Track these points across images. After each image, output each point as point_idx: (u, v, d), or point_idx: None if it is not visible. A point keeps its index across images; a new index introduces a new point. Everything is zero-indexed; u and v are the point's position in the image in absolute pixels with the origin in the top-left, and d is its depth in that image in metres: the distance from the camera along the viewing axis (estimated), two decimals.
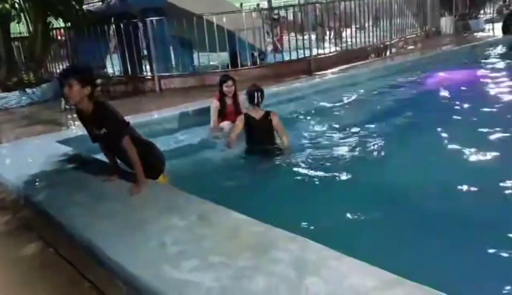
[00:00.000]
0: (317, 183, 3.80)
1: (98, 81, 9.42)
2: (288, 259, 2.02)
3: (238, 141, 4.72)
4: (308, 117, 6.03)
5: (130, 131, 3.32)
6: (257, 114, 4.61)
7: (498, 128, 4.77)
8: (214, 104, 5.40)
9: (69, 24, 9.68)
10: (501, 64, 9.18)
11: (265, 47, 10.08)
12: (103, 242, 2.43)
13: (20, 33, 10.62)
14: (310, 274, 1.89)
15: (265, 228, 2.34)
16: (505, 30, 10.69)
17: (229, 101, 5.38)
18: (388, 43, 11.25)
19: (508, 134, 4.59)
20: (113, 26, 9.38)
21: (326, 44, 10.34)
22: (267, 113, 4.62)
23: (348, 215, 3.05)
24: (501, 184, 3.40)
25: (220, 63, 9.15)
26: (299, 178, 3.95)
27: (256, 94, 4.55)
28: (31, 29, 8.87)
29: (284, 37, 11.93)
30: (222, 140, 5.05)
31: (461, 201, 3.18)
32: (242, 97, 5.14)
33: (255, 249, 2.14)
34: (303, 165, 4.26)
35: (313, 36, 9.91)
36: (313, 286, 1.81)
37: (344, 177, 3.82)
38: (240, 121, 4.67)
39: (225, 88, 5.31)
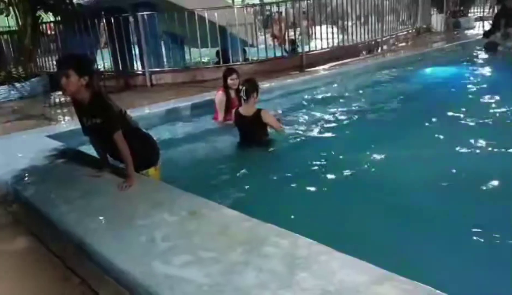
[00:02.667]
0: (307, 178, 3.80)
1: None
2: (279, 255, 2.02)
3: (231, 136, 4.75)
4: (300, 113, 6.04)
5: (126, 120, 3.28)
6: (246, 111, 4.58)
7: (484, 123, 4.84)
8: (219, 97, 5.33)
9: (59, 18, 9.58)
10: (487, 62, 9.27)
11: (257, 43, 10.04)
12: (93, 237, 2.42)
13: (9, 27, 10.49)
14: (300, 270, 1.89)
15: (255, 224, 2.35)
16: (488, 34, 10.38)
17: (233, 94, 5.33)
18: (379, 40, 11.29)
19: (493, 130, 4.66)
20: (104, 20, 9.30)
21: (318, 41, 10.33)
22: (258, 111, 4.57)
23: (339, 210, 3.07)
24: (489, 179, 3.44)
25: (211, 58, 9.13)
26: (289, 173, 3.95)
27: (242, 89, 4.53)
28: (20, 23, 8.77)
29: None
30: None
31: (451, 196, 3.21)
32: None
33: (246, 245, 2.14)
34: (293, 160, 4.29)
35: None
36: (304, 282, 1.82)
37: (334, 171, 3.84)
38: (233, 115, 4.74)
39: (230, 81, 5.26)
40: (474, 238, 2.63)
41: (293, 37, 10.32)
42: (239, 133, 4.70)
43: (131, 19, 8.67)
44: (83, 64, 3.10)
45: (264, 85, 6.84)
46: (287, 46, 11.06)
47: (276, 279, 1.86)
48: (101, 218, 2.66)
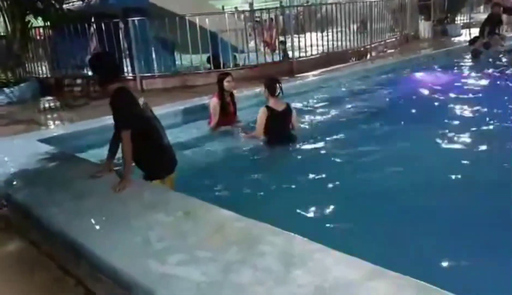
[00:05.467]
0: (303, 178, 3.85)
1: (79, 81, 9.38)
2: (274, 253, 2.05)
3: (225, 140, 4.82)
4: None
5: (145, 125, 3.24)
6: (278, 106, 4.71)
7: (470, 126, 4.95)
8: (214, 102, 5.27)
9: (49, 23, 9.55)
10: (472, 67, 9.46)
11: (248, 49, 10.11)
12: (88, 238, 2.42)
13: None
14: (296, 267, 1.93)
15: (250, 223, 2.37)
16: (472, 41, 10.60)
17: (228, 99, 5.31)
18: (368, 46, 11.43)
19: (479, 133, 4.77)
20: (94, 25, 9.29)
21: (308, 47, 10.42)
22: (288, 105, 4.76)
23: (332, 210, 3.12)
24: (477, 178, 3.53)
25: (202, 64, 9.15)
26: (284, 174, 4.02)
27: (278, 85, 4.69)
28: (9, 28, 8.73)
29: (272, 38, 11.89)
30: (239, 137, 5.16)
31: (442, 196, 3.28)
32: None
33: (241, 244, 2.17)
34: (289, 162, 4.35)
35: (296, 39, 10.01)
36: (299, 279, 1.85)
37: (328, 173, 3.89)
38: (263, 113, 4.69)
39: (226, 84, 5.20)
40: (464, 234, 2.69)
41: (282, 39, 10.37)
42: (271, 129, 4.70)
43: (121, 24, 8.67)
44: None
45: (255, 90, 6.90)
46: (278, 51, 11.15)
47: (272, 276, 1.89)
48: (95, 219, 2.66)
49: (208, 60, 9.36)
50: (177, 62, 10.02)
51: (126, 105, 3.15)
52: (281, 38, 10.56)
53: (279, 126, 4.72)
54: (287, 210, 3.13)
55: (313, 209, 3.16)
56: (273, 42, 11.32)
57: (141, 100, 3.28)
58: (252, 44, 10.93)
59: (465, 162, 4.01)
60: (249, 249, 2.11)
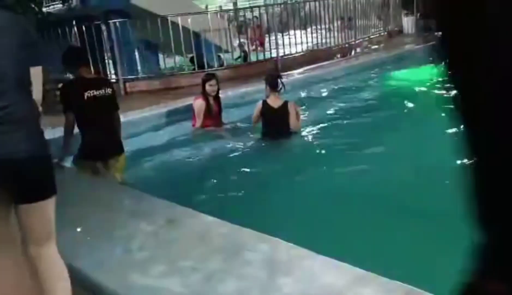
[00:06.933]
0: (291, 181, 3.80)
1: (60, 85, 9.19)
2: (259, 260, 1.99)
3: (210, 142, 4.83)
4: None
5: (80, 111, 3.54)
6: (275, 103, 4.64)
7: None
8: (199, 103, 5.15)
9: None
10: None
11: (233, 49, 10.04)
12: (66, 249, 2.33)
13: None
14: (282, 275, 1.87)
15: (234, 229, 2.31)
16: None
17: (212, 101, 5.19)
18: (353, 43, 11.42)
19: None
20: (75, 29, 9.12)
21: (293, 45, 10.37)
22: (286, 103, 4.67)
23: (320, 214, 3.05)
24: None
25: (186, 65, 9.05)
26: (269, 176, 3.95)
27: (279, 80, 4.65)
28: None
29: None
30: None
31: (437, 198, 3.21)
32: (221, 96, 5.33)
33: (225, 251, 2.10)
34: (275, 163, 4.28)
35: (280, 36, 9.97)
36: (286, 287, 1.79)
37: (317, 176, 3.83)
38: (257, 107, 4.70)
39: (208, 88, 5.08)
40: (461, 238, 2.63)
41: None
42: (265, 125, 4.70)
43: (103, 27, 8.52)
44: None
45: (240, 90, 6.85)
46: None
47: (258, 285, 1.82)
48: (75, 228, 2.57)
49: (192, 60, 9.25)
50: (160, 64, 9.90)
51: (64, 96, 3.69)
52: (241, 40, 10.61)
53: (273, 124, 4.65)
54: (273, 214, 3.07)
55: (300, 212, 3.10)
56: (262, 40, 11.25)
57: (93, 92, 3.52)
58: (236, 43, 10.83)
59: (460, 161, 3.94)
60: (234, 257, 2.05)
